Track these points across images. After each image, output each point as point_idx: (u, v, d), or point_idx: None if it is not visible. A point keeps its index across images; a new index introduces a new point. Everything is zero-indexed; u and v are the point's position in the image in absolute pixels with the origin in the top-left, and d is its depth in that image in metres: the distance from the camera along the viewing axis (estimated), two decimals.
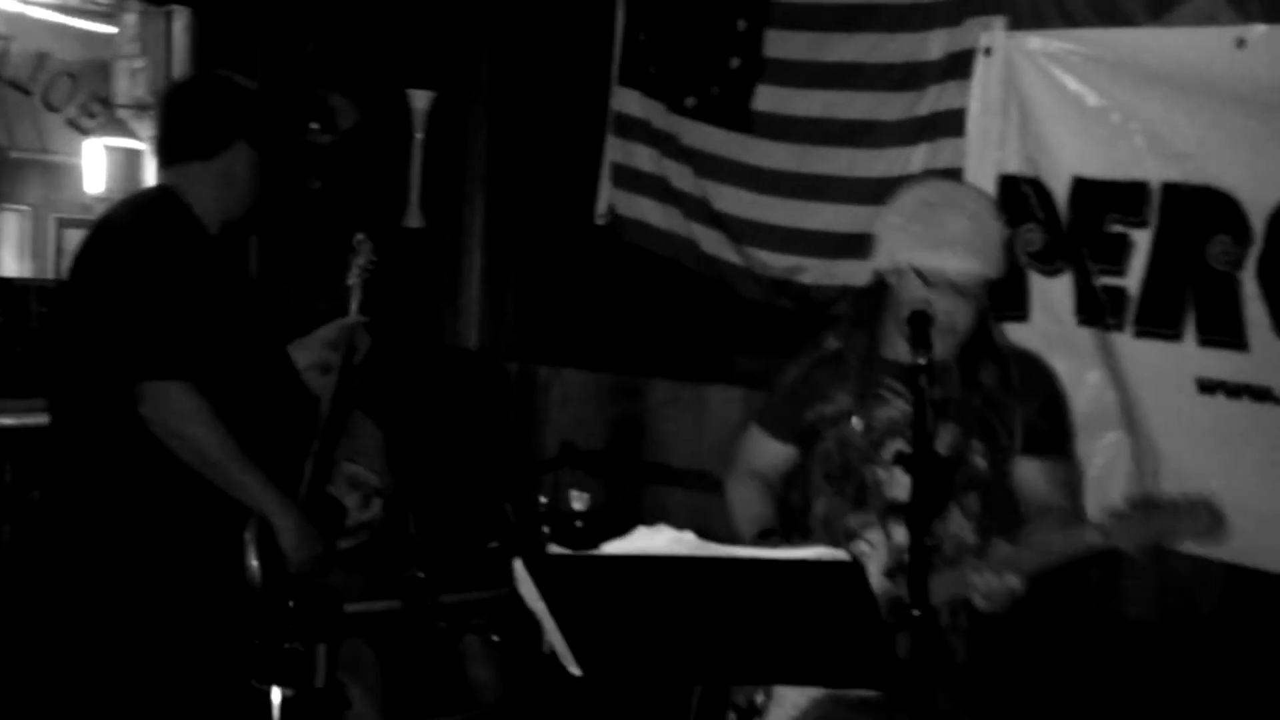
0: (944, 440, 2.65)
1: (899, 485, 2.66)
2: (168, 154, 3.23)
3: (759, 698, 2.72)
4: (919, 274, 2.65)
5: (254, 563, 3.01)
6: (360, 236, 3.60)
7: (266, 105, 3.30)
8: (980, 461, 2.69)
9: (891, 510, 2.69)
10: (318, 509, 3.28)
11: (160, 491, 3.01)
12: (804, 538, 2.77)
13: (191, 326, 2.99)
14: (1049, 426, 2.75)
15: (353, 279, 3.54)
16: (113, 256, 3.06)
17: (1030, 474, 2.74)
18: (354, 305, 3.52)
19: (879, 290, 2.75)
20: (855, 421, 2.74)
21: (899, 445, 2.67)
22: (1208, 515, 2.36)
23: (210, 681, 3.07)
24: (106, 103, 5.23)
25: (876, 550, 2.69)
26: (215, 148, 3.17)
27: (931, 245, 2.64)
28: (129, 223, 3.13)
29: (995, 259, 2.65)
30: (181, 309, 2.98)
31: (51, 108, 5.29)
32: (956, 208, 2.69)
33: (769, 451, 2.92)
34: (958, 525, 2.68)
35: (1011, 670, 2.75)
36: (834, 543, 2.70)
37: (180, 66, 4.98)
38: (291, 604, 3.10)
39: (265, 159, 3.27)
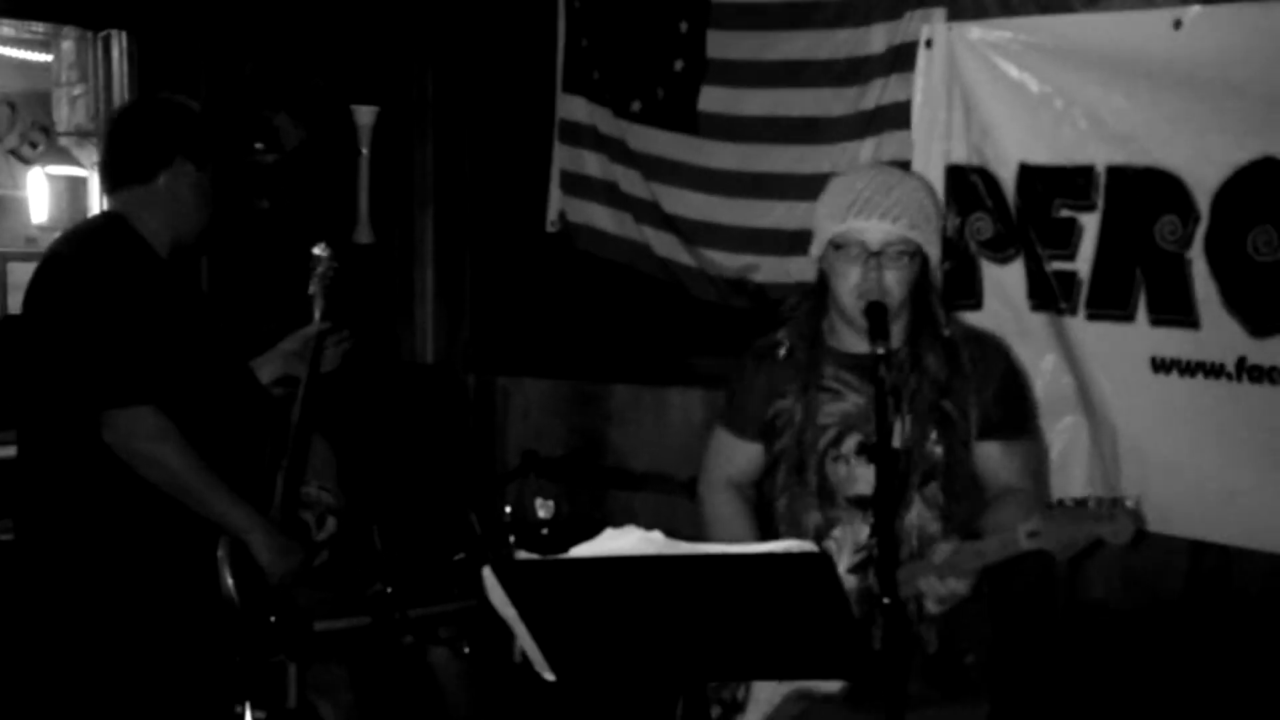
0: (899, 431, 2.64)
1: (860, 480, 2.67)
2: (111, 180, 3.23)
3: (740, 693, 2.72)
4: (835, 246, 2.66)
5: (229, 581, 3.01)
6: (319, 246, 3.59)
7: (206, 122, 3.28)
8: (937, 450, 2.67)
9: (853, 505, 2.69)
10: (292, 521, 3.27)
11: (130, 517, 3.00)
12: (773, 537, 2.76)
13: (149, 350, 2.98)
14: (1005, 409, 2.73)
15: (314, 288, 3.54)
16: (63, 287, 3.06)
17: (990, 457, 2.72)
18: (317, 313, 3.52)
19: (821, 282, 2.76)
20: (809, 416, 2.73)
21: (856, 439, 2.68)
22: (1128, 518, 2.36)
23: (191, 705, 3.06)
24: (48, 131, 5.18)
25: (841, 546, 2.69)
26: (154, 169, 3.16)
27: (840, 211, 2.65)
28: (76, 252, 3.12)
29: (909, 219, 2.62)
30: (137, 333, 2.98)
31: None
32: (862, 175, 2.70)
33: (739, 453, 2.88)
34: (920, 516, 2.67)
35: (981, 656, 2.75)
36: (798, 539, 2.68)
37: (121, 92, 4.94)
38: (273, 619, 3.09)
39: (214, 177, 3.26)
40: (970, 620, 2.69)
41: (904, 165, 3.78)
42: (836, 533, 2.69)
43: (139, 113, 3.32)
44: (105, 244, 3.11)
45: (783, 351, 2.77)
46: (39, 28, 5.07)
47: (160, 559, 3.01)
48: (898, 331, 2.69)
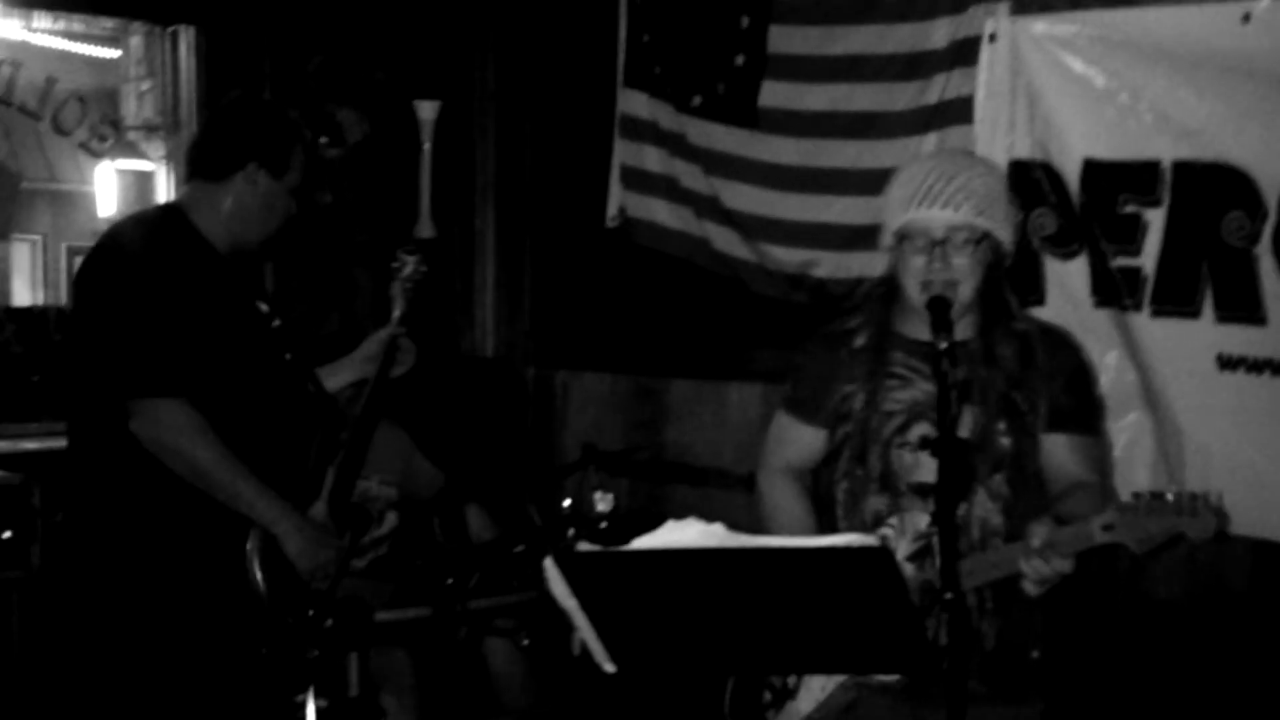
0: (967, 422, 2.63)
1: (924, 468, 2.65)
2: (189, 168, 3.26)
3: (792, 680, 2.72)
4: (901, 237, 2.65)
5: (258, 574, 3.02)
6: (408, 250, 3.61)
7: (292, 134, 3.27)
8: (1005, 442, 2.66)
9: (916, 493, 2.68)
10: (344, 516, 3.29)
11: (160, 507, 3.02)
12: (831, 524, 2.76)
13: (183, 342, 2.99)
14: (1075, 402, 2.71)
15: (395, 289, 3.55)
16: (105, 273, 3.09)
17: (1057, 451, 2.70)
18: (395, 314, 3.53)
19: (891, 272, 2.76)
20: (875, 403, 2.73)
21: (923, 427, 2.66)
22: (1211, 515, 2.33)
23: (228, 693, 3.07)
24: (116, 125, 5.25)
25: (901, 535, 2.69)
26: (228, 169, 3.18)
27: (904, 202, 2.64)
28: (124, 240, 3.15)
29: (973, 206, 2.60)
30: (172, 324, 2.99)
31: (62, 132, 5.31)
32: (926, 163, 2.69)
33: (800, 439, 2.87)
34: (983, 508, 2.66)
35: (1041, 653, 2.73)
36: (858, 526, 2.69)
37: (188, 86, 5.00)
38: (311, 613, 3.11)
39: (293, 190, 3.27)
40: (1029, 616, 2.68)
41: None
42: (894, 520, 2.69)
43: (234, 109, 3.35)
44: (152, 234, 3.13)
45: (859, 340, 2.76)
46: (108, 23, 5.13)
47: (189, 549, 3.03)
48: (969, 322, 2.68)
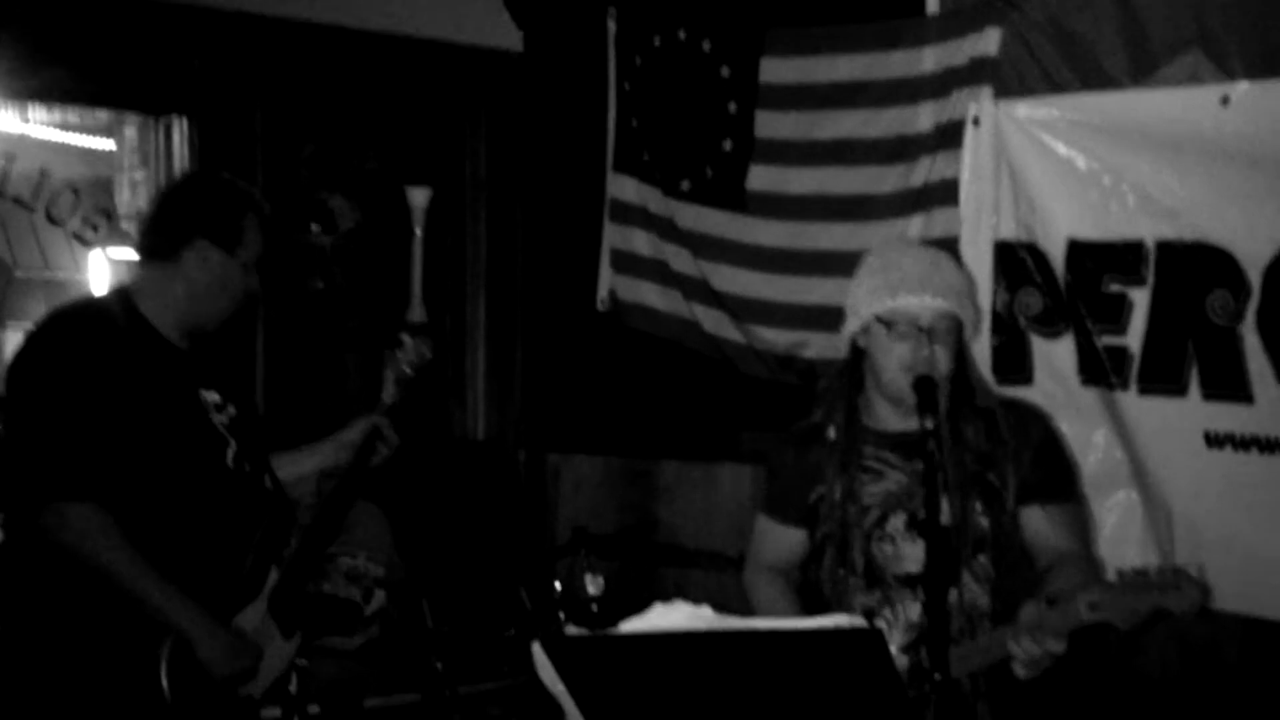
0: (943, 507, 2.61)
1: (907, 559, 2.66)
2: (139, 253, 3.15)
3: None
4: (882, 322, 2.67)
5: (164, 680, 2.88)
6: (410, 331, 3.51)
7: (240, 205, 3.11)
8: (983, 521, 2.67)
9: (904, 584, 2.68)
10: (290, 614, 3.17)
11: (76, 604, 2.92)
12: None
13: (99, 443, 2.88)
14: (1045, 472, 2.73)
15: (389, 372, 3.36)
16: (31, 365, 2.98)
17: (1034, 522, 2.71)
18: (384, 397, 3.35)
19: (855, 359, 2.77)
20: (852, 497, 2.73)
21: (900, 518, 2.68)
22: (1194, 588, 2.34)
23: None
24: (109, 215, 5.29)
25: (894, 626, 2.68)
26: (174, 248, 3.04)
27: (887, 289, 2.67)
28: (58, 329, 3.03)
29: (956, 296, 2.67)
30: (89, 424, 2.87)
31: (54, 222, 5.34)
32: (904, 252, 2.75)
33: (781, 540, 2.89)
34: (970, 591, 2.66)
35: None
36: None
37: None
38: None
39: (247, 262, 3.12)
40: (1024, 698, 2.66)
41: (952, 242, 3.79)
42: (887, 613, 2.68)
43: (179, 187, 3.26)
44: (88, 323, 3.00)
45: (831, 434, 2.77)
46: (102, 115, 5.19)
47: (99, 649, 2.92)
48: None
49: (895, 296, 2.65)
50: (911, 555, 2.65)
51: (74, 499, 2.86)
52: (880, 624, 2.67)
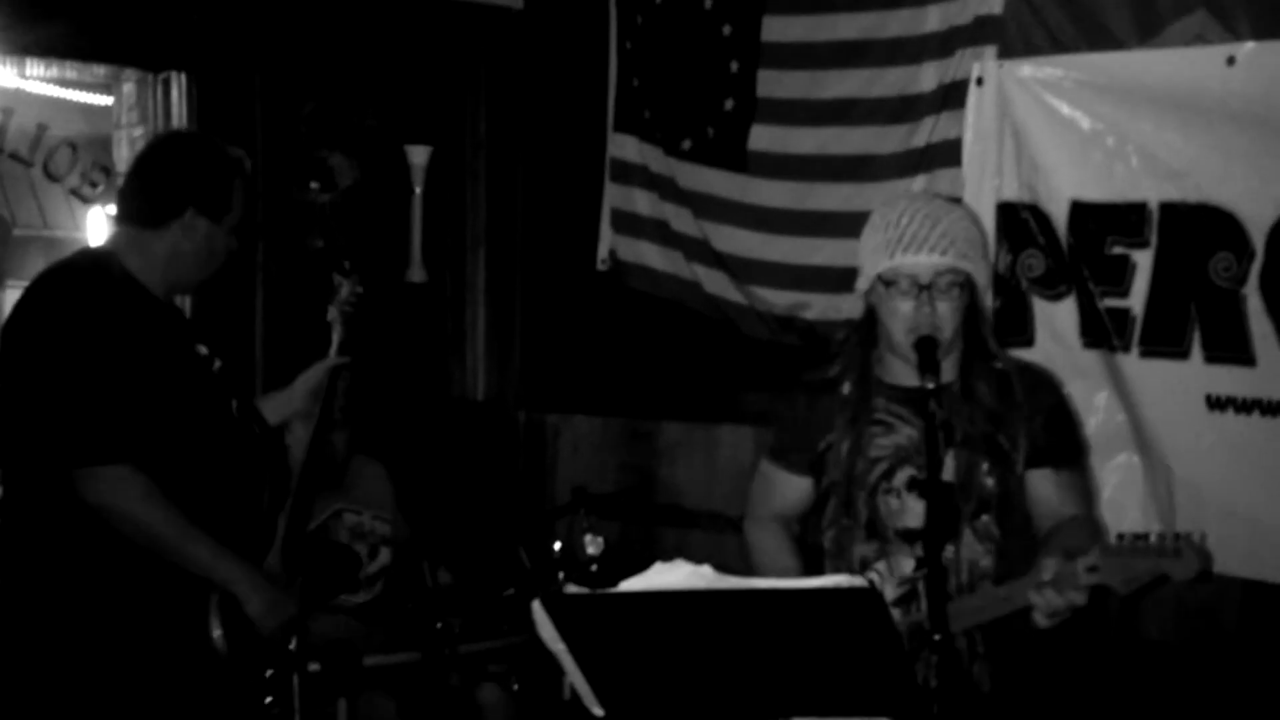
0: (950, 465, 2.63)
1: (909, 513, 2.65)
2: (121, 212, 3.09)
3: None
4: (884, 281, 2.65)
5: (218, 633, 2.90)
6: (341, 274, 3.47)
7: (228, 173, 3.08)
8: (989, 482, 2.66)
9: (903, 539, 2.68)
10: (296, 561, 3.18)
11: (114, 571, 2.89)
12: (818, 570, 2.76)
13: (125, 402, 2.85)
14: (1055, 438, 2.71)
15: (332, 314, 3.41)
16: (36, 329, 2.93)
17: (1041, 486, 2.70)
18: (334, 343, 3.38)
19: (869, 316, 2.76)
20: (860, 450, 2.72)
21: (907, 472, 2.66)
22: (1194, 554, 2.33)
23: None
24: (108, 171, 5.27)
25: (887, 579, 2.68)
26: (164, 217, 3.01)
27: (886, 247, 2.64)
28: (56, 291, 2.97)
29: (958, 250, 2.61)
30: (112, 384, 2.84)
31: (53, 178, 5.31)
32: (906, 208, 2.68)
33: (786, 488, 2.88)
34: (971, 550, 2.66)
35: (1036, 696, 2.71)
36: (844, 572, 2.67)
37: None
38: (270, 672, 3.03)
39: (233, 226, 3.10)
40: (1023, 658, 2.67)
41: (954, 202, 3.77)
42: (880, 565, 2.68)
43: (163, 152, 3.16)
44: (85, 283, 2.96)
45: (843, 388, 2.76)
46: (100, 70, 5.15)
47: (146, 613, 2.90)
48: (950, 364, 2.68)
49: (894, 255, 2.63)
50: (914, 510, 2.65)
51: (110, 461, 2.83)
52: (873, 575, 2.67)
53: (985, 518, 2.66)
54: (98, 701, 2.89)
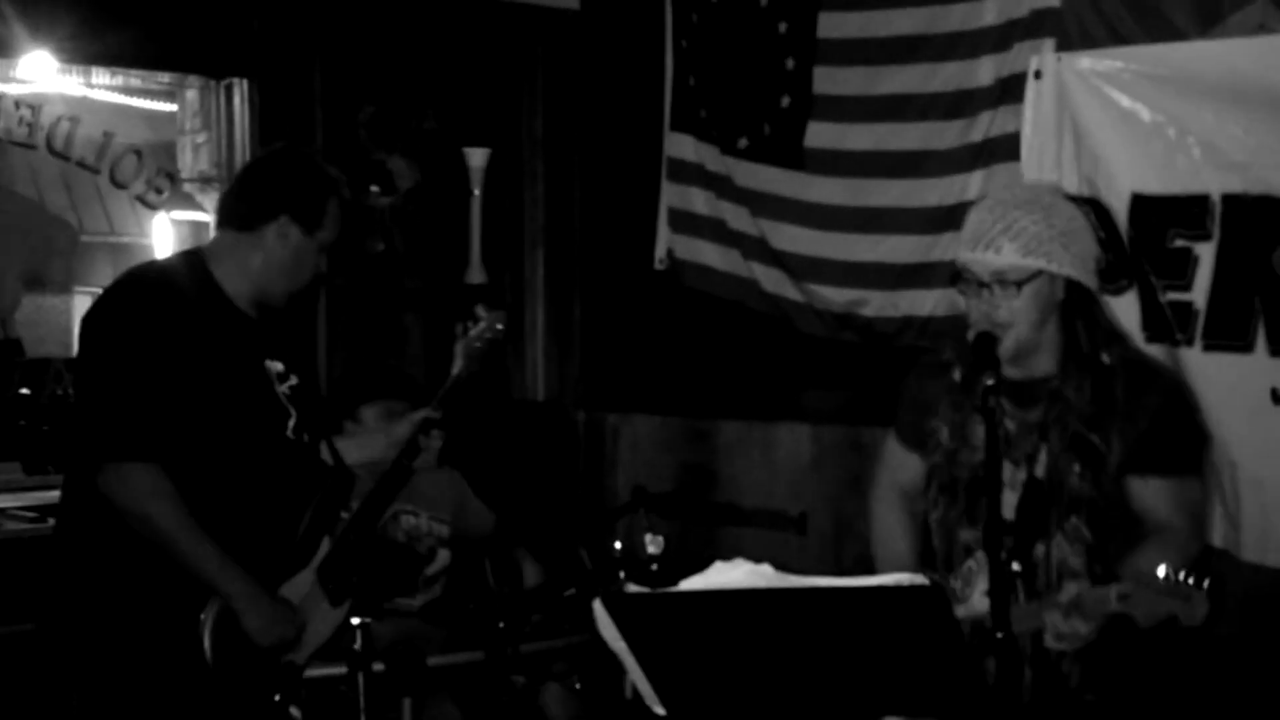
0: (1041, 462, 2.62)
1: (1007, 505, 2.62)
2: (219, 216, 3.17)
3: None
4: (960, 276, 2.64)
5: (208, 644, 2.93)
6: (483, 308, 3.42)
7: (325, 188, 3.13)
8: (1078, 483, 2.62)
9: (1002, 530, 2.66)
10: (339, 585, 3.19)
11: (126, 564, 2.95)
12: (930, 548, 2.79)
13: (163, 404, 2.89)
14: (1161, 443, 2.62)
15: (459, 347, 3.35)
16: (101, 325, 3.01)
17: (1145, 494, 2.63)
18: (454, 372, 3.34)
19: None
20: (963, 437, 2.72)
21: (1006, 463, 2.63)
22: (1203, 602, 2.33)
23: None
24: (173, 178, 5.34)
25: (980, 569, 2.67)
26: (258, 220, 3.06)
27: (966, 242, 2.63)
28: (129, 291, 3.05)
29: (1023, 248, 2.56)
30: (154, 385, 2.89)
31: (119, 185, 5.40)
32: (987, 202, 2.67)
33: (905, 462, 2.90)
34: (1061, 550, 2.62)
35: (1121, 696, 2.69)
36: (950, 553, 2.72)
37: (242, 138, 5.08)
38: (278, 698, 3.06)
39: (324, 244, 3.14)
40: (1109, 657, 2.65)
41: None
42: (979, 554, 2.68)
43: (269, 160, 3.26)
44: (160, 286, 3.02)
45: (955, 375, 2.75)
46: (164, 78, 5.23)
47: (145, 611, 2.96)
48: (1047, 359, 2.66)
49: (961, 250, 2.64)
50: (1008, 501, 2.62)
51: (136, 459, 2.89)
52: (971, 563, 2.68)
53: (1075, 519, 2.62)
54: (93, 695, 3.00)
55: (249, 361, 3.08)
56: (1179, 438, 2.71)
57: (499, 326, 3.42)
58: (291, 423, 3.12)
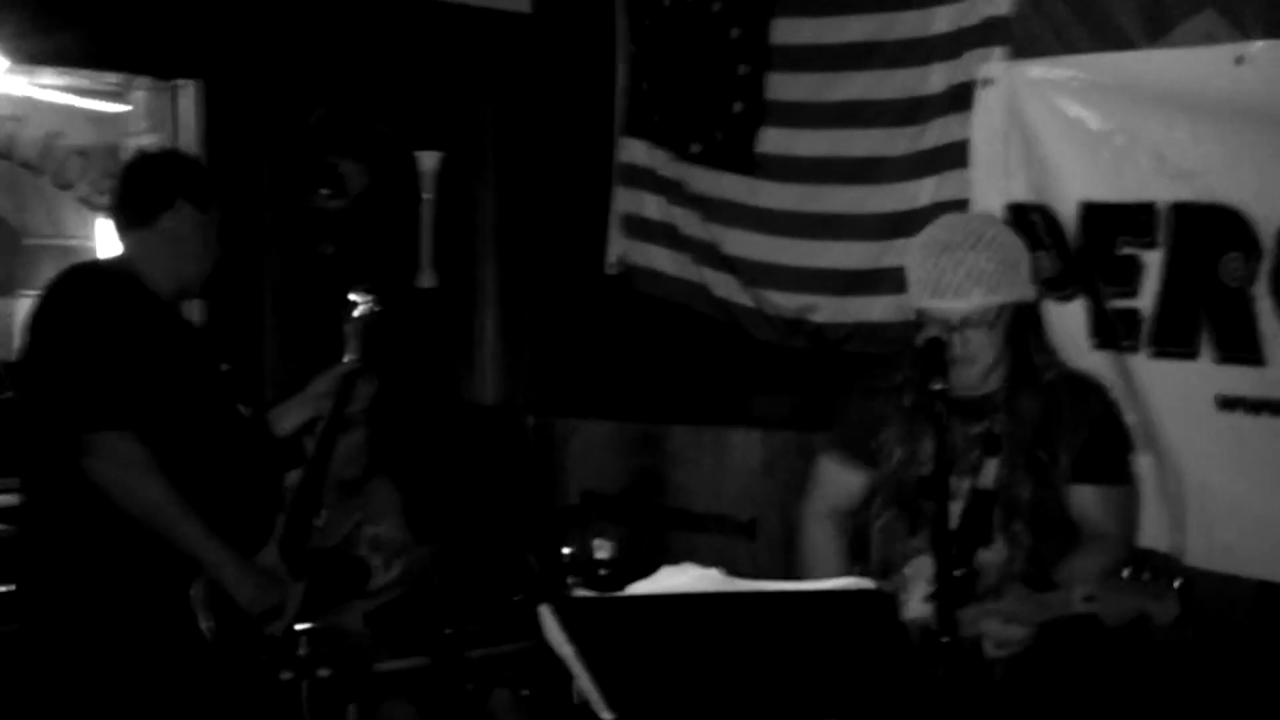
0: (989, 473, 2.70)
1: (952, 514, 2.67)
2: (119, 225, 3.28)
3: None
4: (923, 315, 2.72)
5: (204, 618, 3.00)
6: (360, 291, 3.60)
7: (206, 168, 3.33)
8: (1025, 492, 2.71)
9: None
10: (297, 560, 3.28)
11: (112, 549, 3.02)
12: (866, 560, 2.84)
13: (130, 378, 3.01)
14: (1099, 453, 2.76)
15: (348, 328, 3.54)
16: (56, 315, 3.11)
17: (1082, 501, 2.75)
18: (349, 352, 3.52)
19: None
20: (911, 451, 2.78)
21: (952, 475, 2.69)
22: (1174, 601, 2.41)
23: None
24: None
25: (918, 575, 2.72)
26: (155, 211, 3.20)
27: (920, 288, 2.71)
28: (73, 284, 3.17)
29: (987, 287, 2.67)
30: (118, 361, 3.02)
31: (63, 186, 5.34)
32: (937, 247, 2.73)
33: (842, 481, 2.96)
34: (1001, 555, 2.70)
35: (1047, 692, 2.72)
36: (891, 564, 2.77)
37: (190, 140, 5.02)
38: (266, 659, 3.11)
39: (218, 220, 3.30)
40: (1039, 654, 2.67)
41: (963, 204, 3.78)
42: (916, 561, 2.73)
43: (143, 161, 3.41)
44: (100, 280, 3.17)
45: (904, 394, 2.81)
46: (112, 79, 5.18)
47: (136, 593, 3.02)
48: (998, 376, 2.76)
49: (923, 299, 2.70)
50: (953, 511, 2.68)
51: (117, 427, 2.96)
52: (907, 571, 2.73)
53: (1018, 525, 2.71)
54: (91, 679, 3.02)
55: (186, 345, 3.21)
56: (1115, 447, 2.87)
57: (375, 308, 3.59)
58: (238, 404, 3.27)
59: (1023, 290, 2.74)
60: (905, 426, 2.79)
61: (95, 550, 3.03)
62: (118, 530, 2.99)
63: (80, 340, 3.03)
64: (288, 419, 3.45)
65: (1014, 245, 2.77)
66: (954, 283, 2.66)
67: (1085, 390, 2.83)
